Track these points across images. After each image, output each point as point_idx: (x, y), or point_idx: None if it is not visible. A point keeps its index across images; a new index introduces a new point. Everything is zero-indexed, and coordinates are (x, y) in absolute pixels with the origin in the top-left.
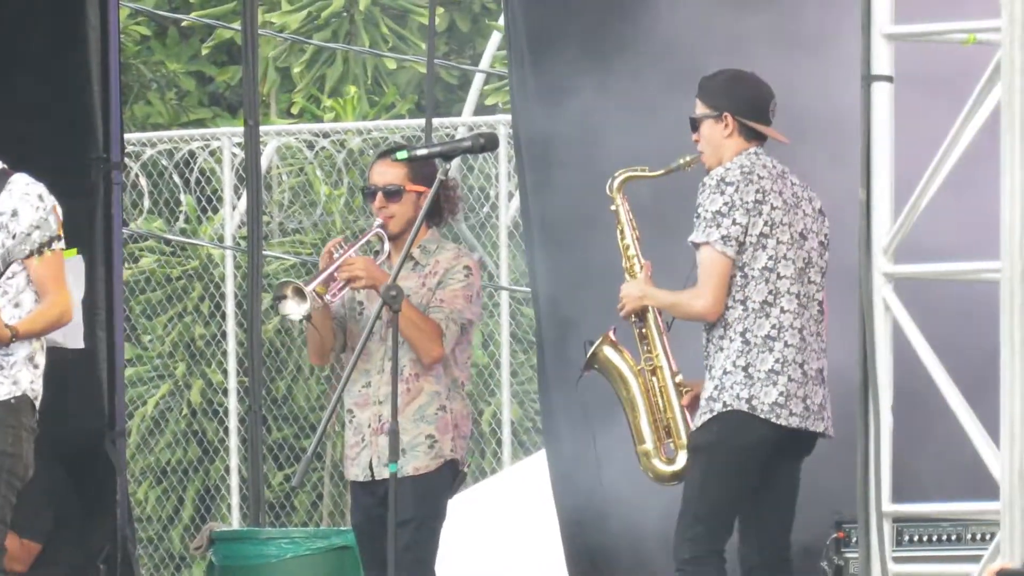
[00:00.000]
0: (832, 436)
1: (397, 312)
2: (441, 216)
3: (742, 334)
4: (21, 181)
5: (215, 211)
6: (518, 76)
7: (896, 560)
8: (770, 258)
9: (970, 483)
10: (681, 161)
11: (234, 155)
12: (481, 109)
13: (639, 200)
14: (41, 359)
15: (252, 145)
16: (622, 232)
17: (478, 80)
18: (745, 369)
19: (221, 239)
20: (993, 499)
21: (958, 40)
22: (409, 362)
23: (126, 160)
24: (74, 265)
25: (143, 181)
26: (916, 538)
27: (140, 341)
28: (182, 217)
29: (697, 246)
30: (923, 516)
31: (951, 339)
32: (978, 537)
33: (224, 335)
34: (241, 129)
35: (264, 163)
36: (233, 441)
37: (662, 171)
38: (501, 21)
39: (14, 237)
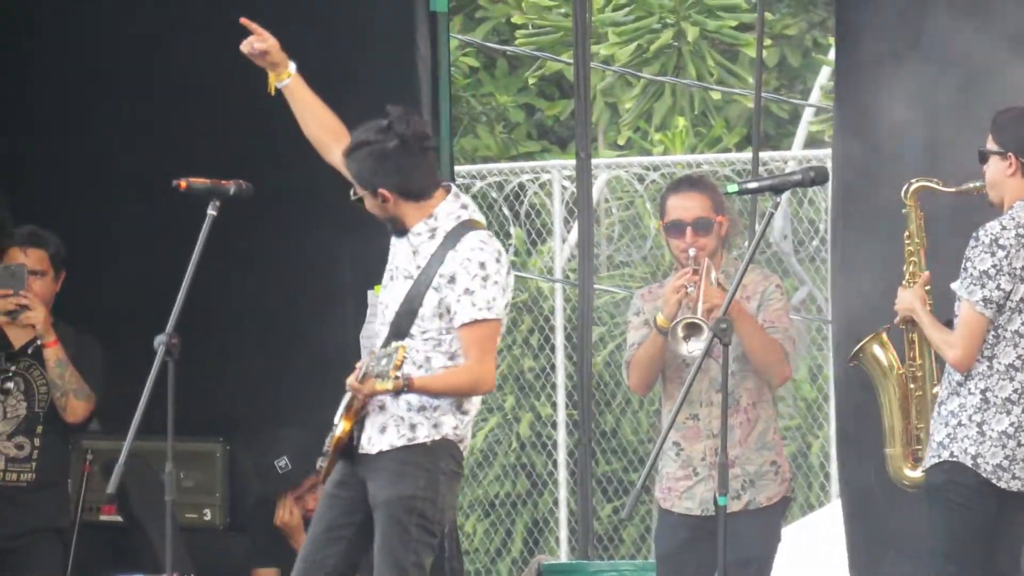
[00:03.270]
0: None
1: (727, 345)
2: (729, 240)
3: (983, 391)
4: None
5: (544, 243)
6: None
7: None
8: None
9: None
10: (971, 185)
11: (564, 188)
12: (810, 143)
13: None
14: (470, 406)
15: (584, 178)
16: (910, 237)
17: (807, 114)
18: (980, 426)
19: (551, 272)
20: None
21: None
22: (745, 392)
23: None
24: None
25: None
26: None
27: None
28: (511, 250)
29: (959, 298)
30: None
31: None
32: None
33: (553, 368)
34: (571, 162)
35: (594, 196)
36: (562, 474)
37: (954, 189)
38: (830, 55)
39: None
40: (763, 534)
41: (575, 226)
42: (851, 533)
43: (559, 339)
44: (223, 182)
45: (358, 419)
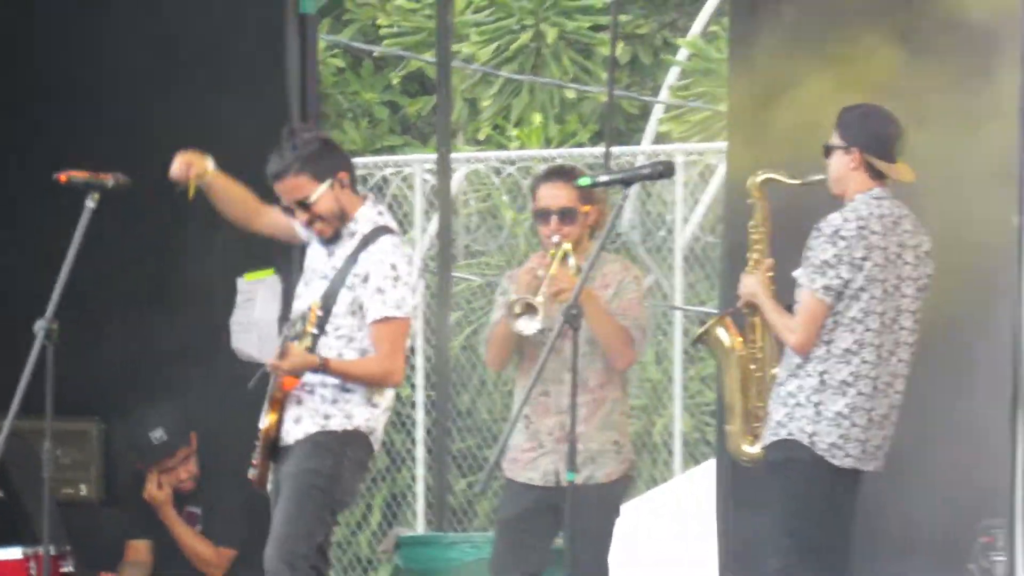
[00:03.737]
0: (881, 471)
1: (576, 330)
2: (595, 228)
3: (821, 374)
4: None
5: (405, 234)
6: None
7: None
8: (861, 310)
9: None
10: (815, 178)
11: (425, 181)
12: (659, 139)
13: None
14: (380, 400)
15: (444, 171)
16: (755, 226)
17: (657, 111)
18: (816, 407)
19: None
20: None
21: None
22: (593, 373)
23: None
24: (271, 284)
25: None
26: None
27: None
28: None
29: (800, 285)
30: None
31: None
32: None
33: (412, 351)
34: (432, 156)
35: (453, 188)
36: (420, 451)
37: (799, 181)
38: (680, 55)
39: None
40: (601, 509)
41: (435, 217)
42: (722, 498)
43: (419, 323)
44: (101, 175)
45: (282, 409)
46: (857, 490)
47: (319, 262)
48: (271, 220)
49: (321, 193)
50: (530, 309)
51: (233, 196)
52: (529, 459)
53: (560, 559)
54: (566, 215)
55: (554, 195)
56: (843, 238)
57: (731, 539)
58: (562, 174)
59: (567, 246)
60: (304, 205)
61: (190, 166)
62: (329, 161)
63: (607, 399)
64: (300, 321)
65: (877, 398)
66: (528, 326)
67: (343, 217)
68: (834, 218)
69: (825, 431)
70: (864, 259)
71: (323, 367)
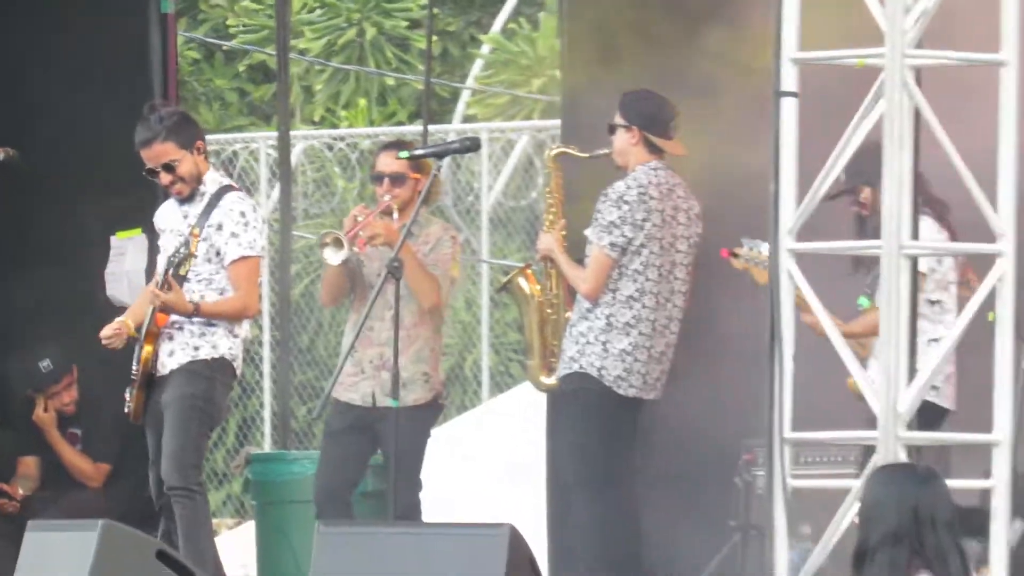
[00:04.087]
0: (659, 399)
1: (398, 280)
2: (429, 198)
3: (607, 317)
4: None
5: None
6: None
7: (794, 477)
8: (642, 263)
9: (853, 415)
10: (601, 152)
11: (269, 155)
12: (467, 119)
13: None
14: (240, 331)
15: (284, 147)
16: (550, 192)
17: (465, 95)
18: (604, 344)
19: None
20: (872, 428)
21: (851, 63)
22: (409, 314)
23: None
24: (139, 241)
25: None
26: (811, 459)
27: None
28: None
29: (590, 242)
30: (816, 441)
31: (845, 301)
32: (860, 459)
33: (260, 297)
34: (274, 134)
35: (293, 161)
36: (267, 383)
37: (587, 155)
38: (483, 49)
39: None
40: (411, 428)
41: (277, 185)
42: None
43: (265, 274)
44: None
45: (156, 343)
46: (638, 416)
47: (175, 222)
48: None
49: (183, 158)
50: (337, 243)
51: None
52: (352, 383)
53: (377, 473)
54: (396, 179)
55: (388, 163)
56: (626, 202)
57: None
58: (397, 146)
59: (387, 198)
60: (169, 168)
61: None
62: (189, 131)
63: (420, 336)
64: (184, 246)
65: (655, 337)
66: (333, 256)
67: (199, 179)
68: (619, 185)
69: (612, 365)
70: (644, 220)
71: (196, 312)
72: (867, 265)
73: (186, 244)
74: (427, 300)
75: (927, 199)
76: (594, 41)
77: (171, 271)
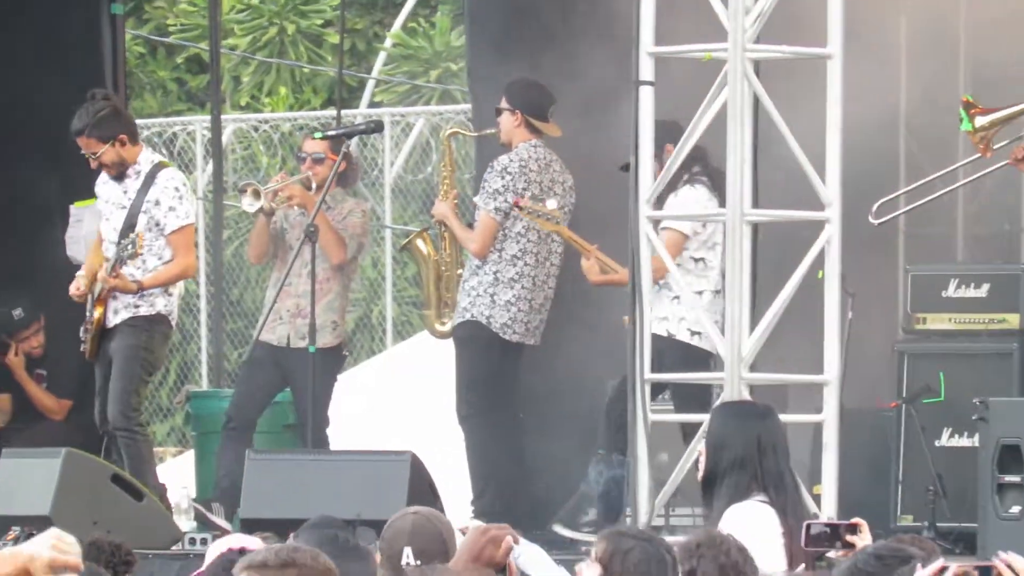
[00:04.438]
0: (539, 344)
1: (314, 243)
2: (347, 181)
3: (495, 273)
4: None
5: (189, 174)
6: None
7: (653, 412)
8: (523, 226)
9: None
10: (489, 131)
11: (204, 135)
12: (372, 104)
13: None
14: (174, 290)
15: (216, 129)
16: (445, 167)
17: (370, 85)
18: (492, 297)
19: (195, 191)
20: (720, 370)
21: (699, 57)
22: (322, 271)
23: None
24: (94, 209)
25: None
26: (668, 395)
27: None
28: None
29: (478, 207)
30: (672, 381)
31: None
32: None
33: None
34: (208, 117)
35: (224, 141)
36: (203, 330)
37: (477, 134)
38: (386, 44)
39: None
40: (320, 370)
41: (211, 162)
42: None
43: (201, 238)
44: None
45: (106, 304)
46: (520, 359)
47: (115, 195)
48: None
49: (104, 150)
50: (256, 194)
51: None
52: (271, 327)
53: (280, 409)
54: (316, 159)
55: (311, 145)
56: (509, 173)
57: None
58: (315, 132)
59: (309, 174)
60: (94, 156)
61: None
62: (111, 125)
63: (331, 290)
64: (130, 244)
65: (536, 291)
66: (248, 204)
67: (124, 164)
68: (503, 159)
69: (499, 314)
70: (524, 189)
71: (139, 288)
72: None
73: (132, 243)
74: (335, 258)
75: (707, 170)
76: (493, 36)
77: (118, 264)
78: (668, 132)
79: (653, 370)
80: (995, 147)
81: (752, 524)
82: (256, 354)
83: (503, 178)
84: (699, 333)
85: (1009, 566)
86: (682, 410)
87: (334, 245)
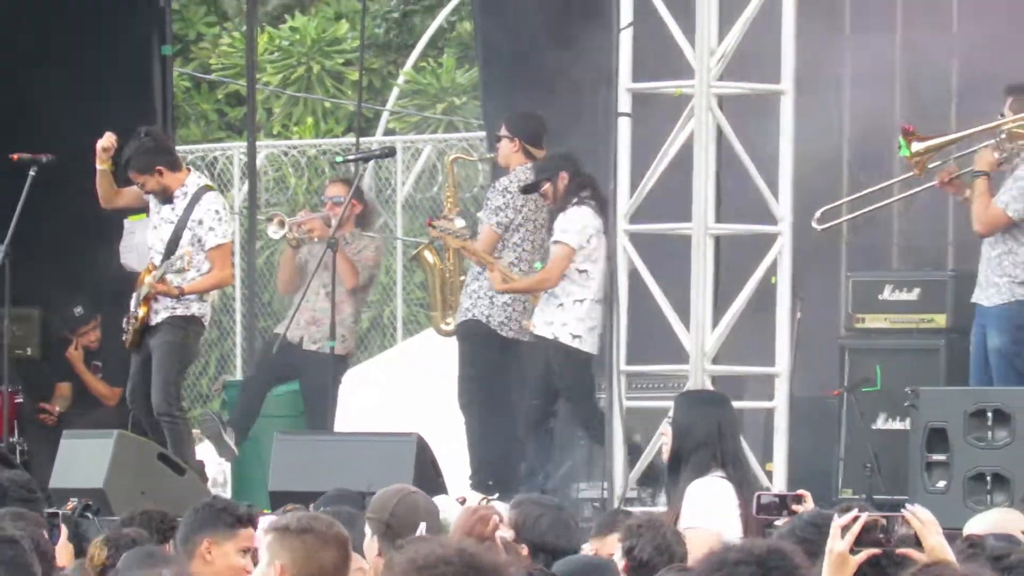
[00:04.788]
0: (532, 341)
1: (336, 252)
2: (364, 222)
3: None
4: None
5: (227, 192)
6: None
7: (628, 399)
8: (520, 237)
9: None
10: (489, 155)
11: (241, 159)
12: (387, 132)
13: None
14: (208, 296)
15: (251, 154)
16: (449, 188)
17: (385, 115)
18: (491, 299)
19: (232, 209)
20: (685, 363)
21: (671, 92)
22: (338, 294)
23: None
24: (145, 223)
25: None
26: (641, 386)
27: None
28: None
29: (482, 222)
30: (644, 373)
31: (669, 270)
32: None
33: (234, 265)
34: (244, 144)
35: (258, 164)
36: (238, 328)
37: (477, 159)
38: (400, 80)
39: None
40: (327, 369)
41: (246, 182)
42: None
43: (237, 248)
44: (39, 155)
45: (150, 304)
46: (517, 354)
47: (165, 210)
48: (125, 200)
49: (144, 180)
50: (280, 223)
51: (112, 185)
52: (291, 331)
53: (297, 397)
54: (336, 203)
55: (332, 189)
56: (509, 192)
57: None
58: (344, 182)
59: (329, 214)
60: (140, 185)
61: (108, 151)
62: (148, 160)
63: (344, 311)
64: (179, 260)
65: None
66: (273, 232)
67: (166, 191)
68: (503, 180)
69: (497, 314)
70: (522, 206)
71: (180, 294)
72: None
73: (182, 259)
74: (349, 283)
75: (594, 195)
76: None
77: (167, 273)
78: (564, 160)
79: (543, 367)
80: (930, 166)
81: (713, 495)
82: (269, 353)
83: (503, 196)
84: (579, 336)
85: (914, 515)
86: (574, 403)
87: (349, 272)
